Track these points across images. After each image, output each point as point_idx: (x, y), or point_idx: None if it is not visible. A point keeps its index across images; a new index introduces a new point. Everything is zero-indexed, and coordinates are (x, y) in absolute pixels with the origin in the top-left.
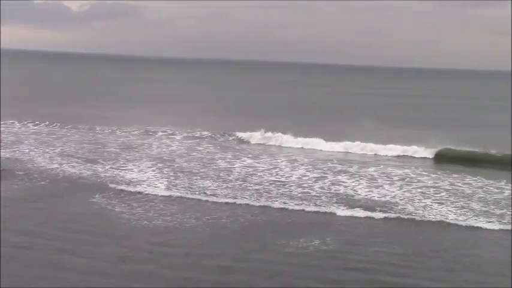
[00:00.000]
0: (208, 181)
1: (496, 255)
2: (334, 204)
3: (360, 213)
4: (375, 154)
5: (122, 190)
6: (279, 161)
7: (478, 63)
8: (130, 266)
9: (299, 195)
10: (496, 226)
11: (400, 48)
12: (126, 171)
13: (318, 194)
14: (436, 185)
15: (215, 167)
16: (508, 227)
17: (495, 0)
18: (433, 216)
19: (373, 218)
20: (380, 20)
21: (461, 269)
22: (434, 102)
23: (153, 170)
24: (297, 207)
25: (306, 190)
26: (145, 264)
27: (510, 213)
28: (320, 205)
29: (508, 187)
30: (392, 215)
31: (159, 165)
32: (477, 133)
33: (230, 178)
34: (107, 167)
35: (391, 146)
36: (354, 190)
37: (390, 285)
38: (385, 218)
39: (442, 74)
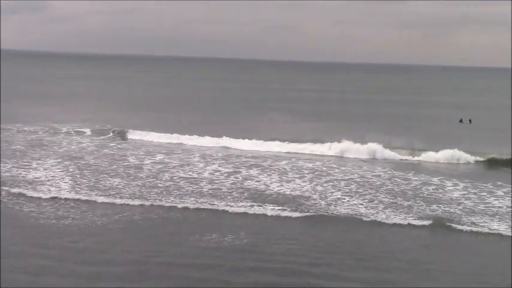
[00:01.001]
0: (117, 179)
1: (405, 250)
2: (245, 200)
3: (272, 209)
4: (288, 151)
5: (21, 193)
6: (191, 157)
7: (389, 57)
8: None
9: (210, 191)
10: (404, 221)
11: (313, 43)
12: (30, 170)
13: (229, 190)
14: (346, 177)
15: (126, 164)
16: (416, 222)
17: None
18: (345, 211)
19: (285, 212)
20: (295, 15)
21: (372, 266)
22: (347, 96)
23: (59, 169)
24: (209, 206)
25: (217, 186)
26: (61, 261)
27: (417, 204)
28: (231, 201)
29: (416, 178)
30: (304, 210)
31: (66, 163)
32: (381, 126)
33: (141, 175)
34: (8, 166)
35: (303, 139)
36: (266, 185)
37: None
38: (297, 212)
39: (354, 68)
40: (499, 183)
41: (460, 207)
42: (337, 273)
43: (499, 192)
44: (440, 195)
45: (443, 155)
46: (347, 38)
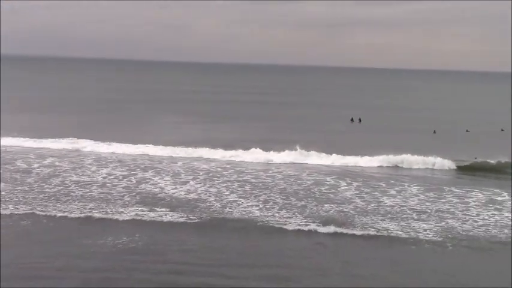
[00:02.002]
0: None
1: (299, 251)
2: (138, 205)
3: (167, 213)
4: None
5: None
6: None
7: (276, 58)
8: None
9: (101, 196)
10: (296, 226)
11: (203, 43)
12: None
13: (120, 194)
14: (241, 178)
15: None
16: (309, 223)
17: None
18: (240, 214)
19: (178, 216)
20: (184, 14)
21: (265, 266)
22: (233, 97)
23: None
24: (102, 209)
25: (108, 190)
26: None
27: (308, 204)
28: (127, 205)
29: (309, 178)
30: (198, 213)
31: None
32: (273, 126)
33: (29, 180)
34: None
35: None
36: (160, 187)
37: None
38: (191, 215)
39: (243, 69)
40: (392, 181)
41: (351, 206)
42: (227, 273)
43: (392, 192)
44: (332, 195)
45: (337, 156)
46: (238, 38)
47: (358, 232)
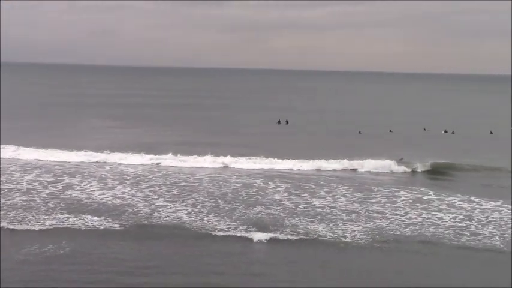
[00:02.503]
0: None
1: (230, 256)
2: (63, 211)
3: (94, 219)
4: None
5: None
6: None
7: (201, 61)
8: None
9: (25, 203)
10: (226, 231)
11: (130, 47)
12: None
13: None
14: (168, 182)
15: None
16: (242, 231)
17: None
18: (168, 219)
19: (108, 223)
20: (111, 19)
21: (192, 272)
22: (158, 101)
23: None
24: (25, 217)
25: (32, 198)
26: None
27: (237, 207)
28: (51, 213)
29: (238, 181)
30: (126, 219)
31: None
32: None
33: None
34: None
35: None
36: (87, 193)
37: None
38: (119, 221)
39: (172, 72)
40: (322, 182)
41: (280, 208)
42: (157, 281)
43: (321, 193)
44: (260, 198)
45: (266, 158)
46: (162, 41)
47: (287, 235)
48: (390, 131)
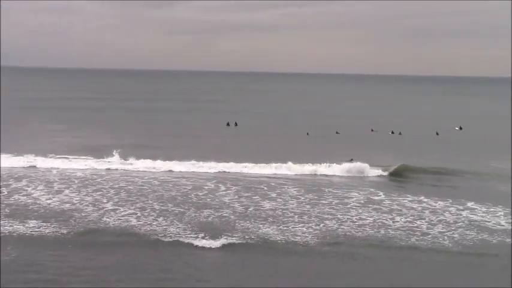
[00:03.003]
0: None
1: (176, 262)
2: (7, 217)
3: (40, 225)
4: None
5: None
6: None
7: (153, 63)
8: None
9: None
10: (175, 237)
11: (79, 49)
12: None
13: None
14: (116, 186)
15: None
16: (192, 236)
17: (163, 0)
18: (117, 223)
19: (54, 228)
20: (59, 21)
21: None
22: (105, 104)
23: None
24: None
25: None
26: None
27: (187, 211)
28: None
29: (188, 183)
30: (74, 224)
31: None
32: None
33: None
34: None
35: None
36: (34, 198)
37: None
38: (66, 227)
39: (120, 74)
40: (273, 184)
41: (229, 210)
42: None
43: (273, 195)
44: (209, 200)
45: (216, 161)
46: (111, 43)
47: (238, 239)
48: (337, 132)
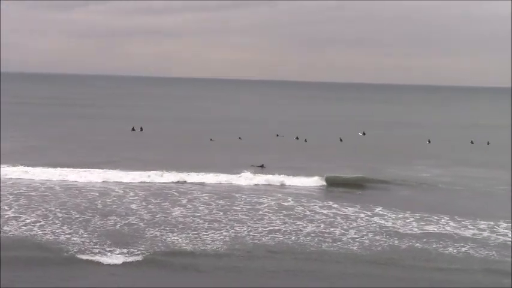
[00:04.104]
0: None
1: None
2: None
3: None
4: None
5: None
6: None
7: (58, 66)
8: None
9: None
10: (81, 247)
11: None
12: None
13: None
14: (15, 192)
15: None
16: (94, 248)
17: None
18: (17, 233)
19: None
20: None
21: None
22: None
23: None
24: None
25: None
26: None
27: (92, 218)
28: None
29: (93, 189)
30: None
31: None
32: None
33: None
34: None
35: None
36: None
37: None
38: None
39: (22, 78)
40: (182, 189)
41: (137, 218)
42: None
43: (183, 201)
44: (115, 207)
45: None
46: (17, 46)
47: (144, 250)
48: (239, 138)
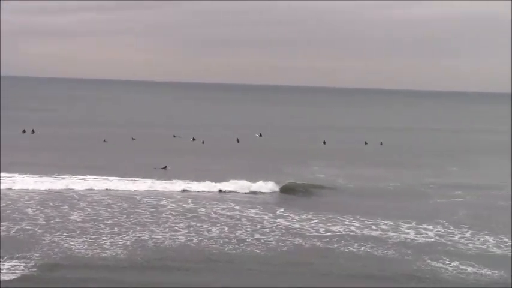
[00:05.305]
0: None
1: None
2: None
3: None
4: None
5: None
6: None
7: None
8: None
9: None
10: None
11: None
12: None
13: None
14: None
15: None
16: None
17: None
18: None
19: None
20: None
21: None
22: None
23: None
24: None
25: None
26: None
27: None
28: None
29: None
30: None
31: None
32: None
33: None
34: None
35: None
36: None
37: None
38: None
39: None
40: (82, 192)
41: (32, 223)
42: None
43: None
44: (9, 212)
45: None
46: None
47: (38, 259)
48: (132, 138)
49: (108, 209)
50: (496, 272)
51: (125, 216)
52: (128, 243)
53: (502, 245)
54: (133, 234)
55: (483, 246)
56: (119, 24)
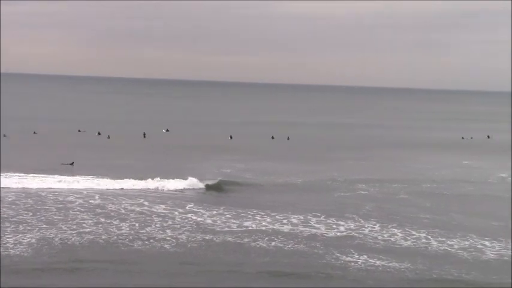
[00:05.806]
0: None
1: None
2: None
3: None
4: None
5: None
6: None
7: None
8: None
9: None
10: None
11: None
12: None
13: None
14: None
15: None
16: None
17: None
18: None
19: None
20: None
21: None
22: None
23: None
24: None
25: None
26: None
27: None
28: None
29: None
30: None
31: None
32: None
33: None
34: None
35: None
36: None
37: None
38: None
39: None
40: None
41: None
42: None
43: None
44: None
45: None
46: None
47: None
48: (34, 132)
49: (13, 206)
50: (403, 264)
51: (31, 213)
52: (33, 241)
53: (409, 238)
54: (39, 232)
55: (392, 239)
56: (36, 17)
